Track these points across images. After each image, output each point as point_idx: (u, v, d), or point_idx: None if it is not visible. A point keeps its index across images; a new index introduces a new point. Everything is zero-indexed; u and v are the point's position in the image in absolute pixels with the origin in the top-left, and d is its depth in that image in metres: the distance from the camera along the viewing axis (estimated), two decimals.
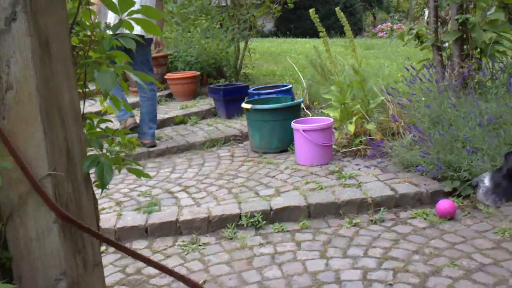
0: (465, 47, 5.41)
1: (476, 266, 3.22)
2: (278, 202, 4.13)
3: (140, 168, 1.97)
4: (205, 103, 7.78)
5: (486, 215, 3.92)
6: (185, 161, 5.66)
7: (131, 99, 7.55)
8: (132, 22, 1.75)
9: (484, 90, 5.15)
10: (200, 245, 3.75)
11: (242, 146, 6.10)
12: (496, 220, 3.83)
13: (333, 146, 5.40)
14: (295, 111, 5.80)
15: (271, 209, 4.03)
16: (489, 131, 4.35)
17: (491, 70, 5.46)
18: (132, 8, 1.71)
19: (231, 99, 7.02)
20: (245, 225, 3.92)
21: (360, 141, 5.39)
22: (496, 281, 3.03)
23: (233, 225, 3.93)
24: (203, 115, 7.35)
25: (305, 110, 6.87)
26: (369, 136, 5.42)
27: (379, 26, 21.99)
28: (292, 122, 5.30)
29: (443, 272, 3.16)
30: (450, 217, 3.89)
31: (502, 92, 4.85)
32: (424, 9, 11.79)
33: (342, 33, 9.48)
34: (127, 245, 3.62)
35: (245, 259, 3.50)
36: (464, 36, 5.37)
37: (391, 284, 3.06)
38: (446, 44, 5.68)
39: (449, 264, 3.24)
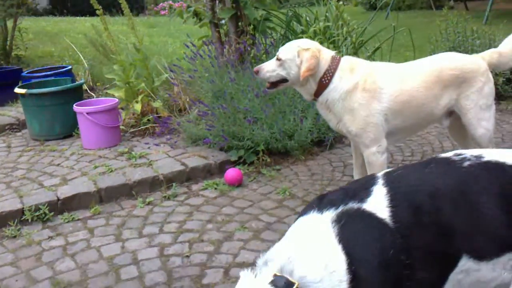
0: (240, 24, 5.72)
1: (263, 226, 3.48)
2: (66, 191, 3.88)
3: None
4: None
5: (269, 178, 4.26)
6: None
7: None
8: None
9: (259, 64, 5.53)
10: None
11: (20, 135, 5.56)
12: (277, 182, 4.19)
13: (121, 127, 5.26)
14: (77, 94, 5.47)
15: (58, 199, 3.77)
16: (265, 102, 4.70)
17: (264, 45, 5.88)
18: None
19: (1, 84, 6.31)
20: (30, 220, 3.60)
21: (148, 120, 5.36)
22: (280, 236, 3.30)
23: (15, 222, 3.57)
24: None
25: (89, 91, 6.55)
26: (156, 114, 5.41)
27: (161, 4, 21.97)
28: (74, 105, 5.00)
29: (235, 236, 3.35)
30: (238, 184, 4.13)
31: None
32: None
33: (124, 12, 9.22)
34: None
35: (33, 256, 3.22)
36: (238, 13, 5.66)
37: (187, 256, 3.13)
38: (223, 21, 5.93)
39: (240, 228, 3.44)
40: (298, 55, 3.33)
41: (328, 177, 4.24)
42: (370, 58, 5.76)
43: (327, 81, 3.32)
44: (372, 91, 3.28)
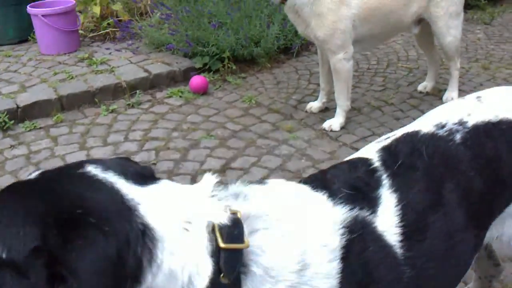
0: None
1: (229, 134, 3.50)
2: (25, 98, 3.76)
3: None
4: None
5: (235, 86, 4.22)
6: None
7: None
8: None
9: None
10: None
11: None
12: (243, 90, 4.16)
13: (80, 31, 5.03)
14: None
15: (17, 107, 3.66)
16: (231, 5, 4.54)
17: None
18: None
19: None
20: None
21: (108, 24, 5.12)
22: (246, 144, 3.36)
23: None
24: None
25: None
26: (117, 17, 5.17)
27: None
28: (27, 6, 4.70)
29: (201, 144, 3.36)
30: (203, 92, 4.08)
31: None
32: None
33: None
34: None
35: None
36: None
37: (154, 164, 3.15)
38: None
39: (206, 136, 3.45)
40: None
41: (294, 85, 4.23)
42: None
43: None
44: None
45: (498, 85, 4.06)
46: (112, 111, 3.81)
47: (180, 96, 4.03)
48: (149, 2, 5.28)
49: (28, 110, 3.68)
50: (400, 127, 3.43)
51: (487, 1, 6.24)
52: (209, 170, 3.02)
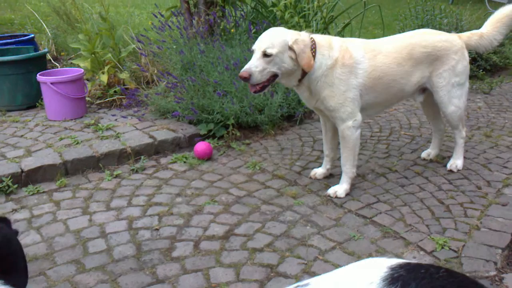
0: None
1: (233, 199, 3.47)
2: (30, 163, 3.77)
3: None
4: None
5: (239, 153, 4.24)
6: None
7: None
8: None
9: (229, 36, 5.46)
10: None
11: None
12: (247, 156, 4.17)
13: (87, 98, 5.13)
14: (40, 63, 5.28)
15: (22, 171, 3.66)
16: (235, 75, 4.65)
17: (234, 17, 5.80)
18: None
19: None
20: None
21: (115, 91, 5.23)
22: (250, 210, 3.33)
23: None
24: None
25: (53, 61, 6.35)
26: (123, 85, 5.29)
27: None
28: (37, 74, 4.83)
29: (205, 210, 3.33)
30: (207, 157, 4.10)
31: (245, 38, 5.22)
32: None
33: None
34: None
35: None
36: None
37: (157, 229, 3.10)
38: None
39: (210, 201, 3.43)
40: (289, 47, 3.13)
41: (298, 152, 4.25)
42: (340, 34, 5.77)
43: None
44: (350, 66, 3.27)
45: (501, 152, 4.08)
46: (116, 176, 3.81)
47: (185, 162, 4.05)
48: (155, 72, 5.42)
49: (32, 174, 3.68)
50: (405, 194, 3.43)
51: (485, 71, 6.39)
52: (213, 236, 3.00)
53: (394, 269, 1.00)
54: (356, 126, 3.37)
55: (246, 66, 3.16)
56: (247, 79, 3.15)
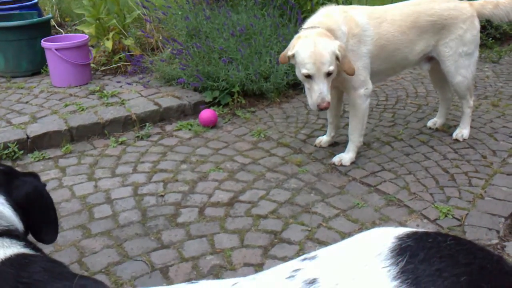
0: None
1: (238, 167, 3.48)
2: (35, 129, 3.78)
3: None
4: None
5: (244, 120, 4.23)
6: None
7: None
8: None
9: (235, 2, 5.37)
10: None
11: None
12: (252, 124, 4.16)
13: (92, 65, 5.10)
14: (44, 29, 5.24)
15: (27, 137, 3.68)
16: (241, 41, 4.60)
17: None
18: None
19: None
20: None
21: (120, 58, 5.20)
22: (255, 177, 3.34)
23: None
24: None
25: (57, 27, 6.29)
26: (128, 52, 5.25)
27: None
28: (42, 40, 4.80)
29: (209, 177, 3.34)
30: (212, 125, 4.09)
31: (251, 4, 5.13)
32: None
33: None
34: None
35: None
36: None
37: (162, 195, 3.13)
38: None
39: (215, 169, 3.44)
40: (336, 59, 3.00)
41: (303, 120, 4.24)
42: (347, 2, 5.66)
43: None
44: (358, 35, 3.21)
45: (508, 122, 4.05)
46: (122, 143, 3.82)
47: (190, 129, 4.04)
48: (160, 38, 5.37)
49: (37, 140, 3.70)
50: (410, 162, 3.42)
51: (494, 40, 6.29)
52: (217, 202, 3.02)
53: (402, 239, 1.00)
54: (367, 94, 3.34)
55: (321, 95, 2.99)
56: (324, 108, 3.04)
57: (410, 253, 0.95)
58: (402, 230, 1.04)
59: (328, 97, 3.02)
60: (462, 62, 3.50)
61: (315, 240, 2.69)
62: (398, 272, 0.91)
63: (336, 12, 3.24)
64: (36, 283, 1.08)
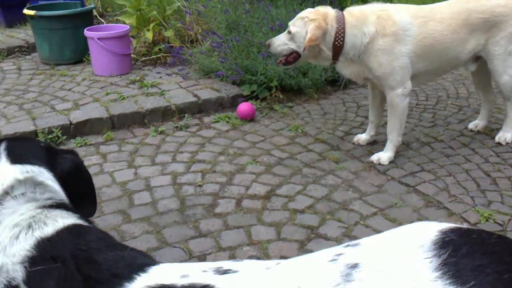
0: None
1: (275, 161, 3.49)
2: (78, 116, 3.86)
3: None
4: None
5: (281, 115, 4.23)
6: None
7: None
8: None
9: None
10: None
11: (29, 58, 5.49)
12: (289, 119, 4.16)
13: (132, 55, 5.18)
14: (87, 18, 5.35)
15: (70, 123, 3.76)
16: None
17: None
18: None
19: (9, 4, 6.16)
20: None
21: (160, 49, 5.26)
22: (292, 171, 3.34)
23: None
24: None
25: (99, 17, 6.41)
26: (168, 43, 5.31)
27: None
28: (85, 30, 4.89)
29: (247, 169, 3.36)
30: (250, 118, 4.11)
31: None
32: None
33: None
34: None
35: None
36: None
37: (200, 185, 3.16)
38: None
39: (252, 161, 3.45)
40: (305, 26, 3.20)
41: (341, 117, 4.21)
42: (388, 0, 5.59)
43: (340, 42, 3.20)
44: (393, 34, 3.16)
45: None
46: (161, 132, 3.87)
47: (227, 122, 4.07)
48: (200, 30, 5.41)
49: (80, 127, 3.78)
50: (450, 164, 3.37)
51: None
52: (254, 195, 3.04)
53: (445, 233, 0.99)
54: (405, 94, 3.30)
55: (273, 38, 3.48)
56: (268, 46, 3.47)
57: (453, 247, 0.94)
58: (446, 225, 1.03)
59: (273, 44, 3.42)
60: (510, 61, 3.41)
61: (352, 237, 2.68)
62: (440, 264, 0.91)
63: (370, 12, 3.22)
64: (92, 250, 1.14)
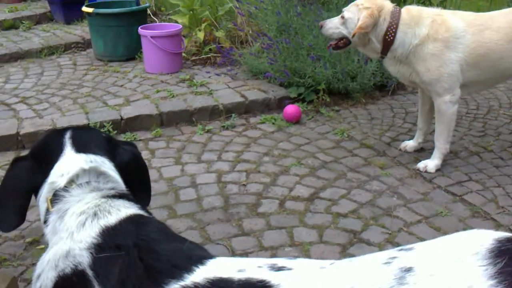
0: None
1: (319, 164, 3.49)
2: (129, 111, 3.99)
3: None
4: (39, 6, 7.02)
5: (327, 118, 4.23)
6: (20, 70, 5.13)
7: None
8: None
9: (327, 0, 5.37)
10: None
11: (85, 54, 5.69)
12: (335, 123, 4.16)
13: (183, 54, 5.29)
14: (141, 17, 5.50)
15: (121, 119, 3.89)
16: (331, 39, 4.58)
17: None
18: None
19: (69, 2, 6.40)
20: None
21: (210, 49, 5.35)
22: (336, 175, 3.34)
23: None
24: (38, 19, 6.64)
25: (152, 16, 6.56)
26: (219, 43, 5.39)
27: None
28: (139, 28, 5.03)
29: (291, 171, 3.38)
30: (296, 121, 4.13)
31: (342, 2, 5.10)
32: None
33: None
34: None
35: None
36: None
37: (244, 185, 3.21)
38: None
39: (296, 164, 3.47)
40: (358, 13, 3.21)
41: (388, 123, 4.17)
42: (442, 5, 5.49)
43: (391, 37, 3.19)
44: (445, 40, 3.11)
45: None
46: (208, 131, 3.94)
47: (273, 123, 4.10)
48: (250, 32, 5.46)
49: (130, 122, 3.90)
50: (500, 175, 3.29)
51: None
52: (298, 197, 3.06)
53: (501, 242, 0.99)
54: (454, 101, 3.24)
55: (326, 20, 3.54)
56: (320, 27, 3.50)
57: (509, 256, 0.94)
58: (502, 234, 1.02)
59: (325, 26, 3.46)
60: None
61: (395, 243, 2.66)
62: (496, 272, 0.90)
63: (427, 13, 3.19)
64: (152, 241, 1.18)
